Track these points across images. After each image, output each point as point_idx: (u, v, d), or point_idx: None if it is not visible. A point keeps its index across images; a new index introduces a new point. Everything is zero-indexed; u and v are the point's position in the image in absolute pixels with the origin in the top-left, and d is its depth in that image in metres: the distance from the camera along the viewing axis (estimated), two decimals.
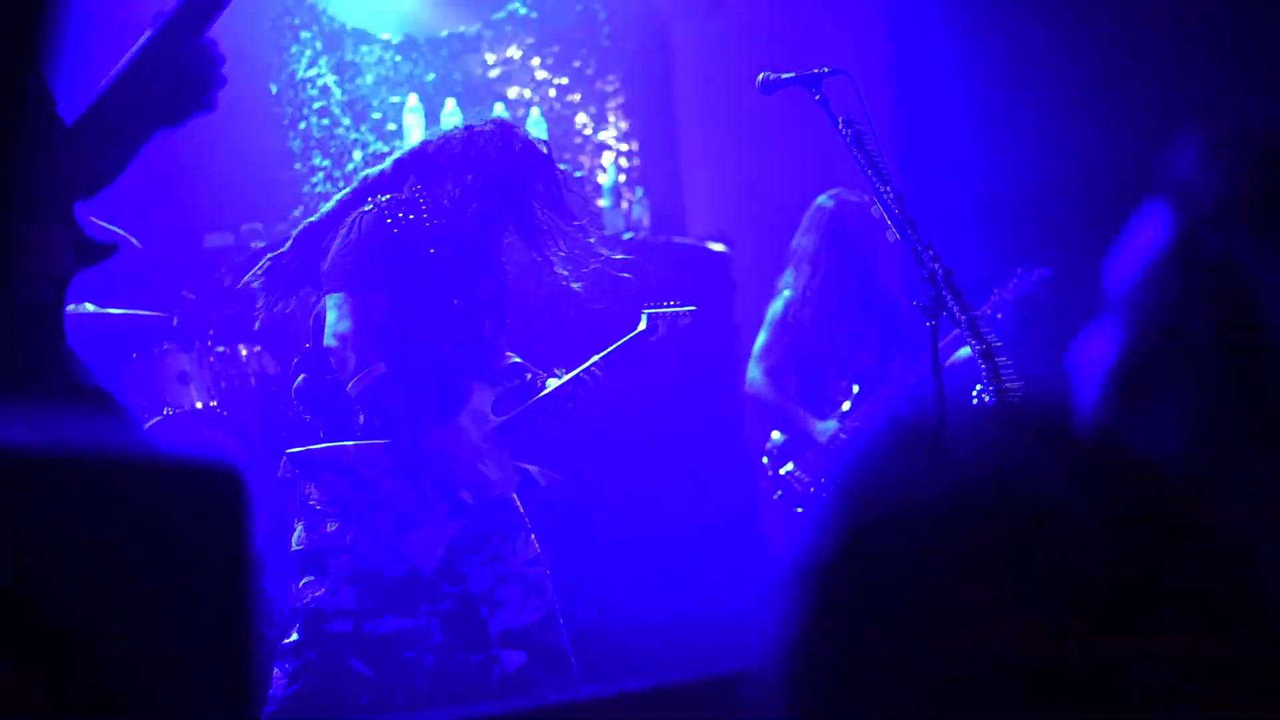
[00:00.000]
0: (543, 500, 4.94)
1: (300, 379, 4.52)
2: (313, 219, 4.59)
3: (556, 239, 4.60)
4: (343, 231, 4.45)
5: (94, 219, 2.70)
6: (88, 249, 2.59)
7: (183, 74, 2.75)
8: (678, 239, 7.72)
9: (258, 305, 4.59)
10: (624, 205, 7.77)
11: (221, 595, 0.93)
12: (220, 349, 6.21)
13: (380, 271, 4.39)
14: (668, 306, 4.87)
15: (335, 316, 4.38)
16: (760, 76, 4.40)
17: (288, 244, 4.56)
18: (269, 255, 4.58)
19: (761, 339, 5.75)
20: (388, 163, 4.66)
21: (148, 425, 5.40)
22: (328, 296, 4.42)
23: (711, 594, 6.28)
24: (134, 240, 2.78)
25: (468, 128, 4.60)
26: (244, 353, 6.18)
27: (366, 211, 4.45)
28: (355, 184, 4.64)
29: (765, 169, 7.87)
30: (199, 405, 5.85)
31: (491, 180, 4.46)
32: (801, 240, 5.76)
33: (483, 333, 4.59)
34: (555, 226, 4.60)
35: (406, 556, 4.36)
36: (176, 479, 0.92)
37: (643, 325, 4.82)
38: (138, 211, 6.61)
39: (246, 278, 4.58)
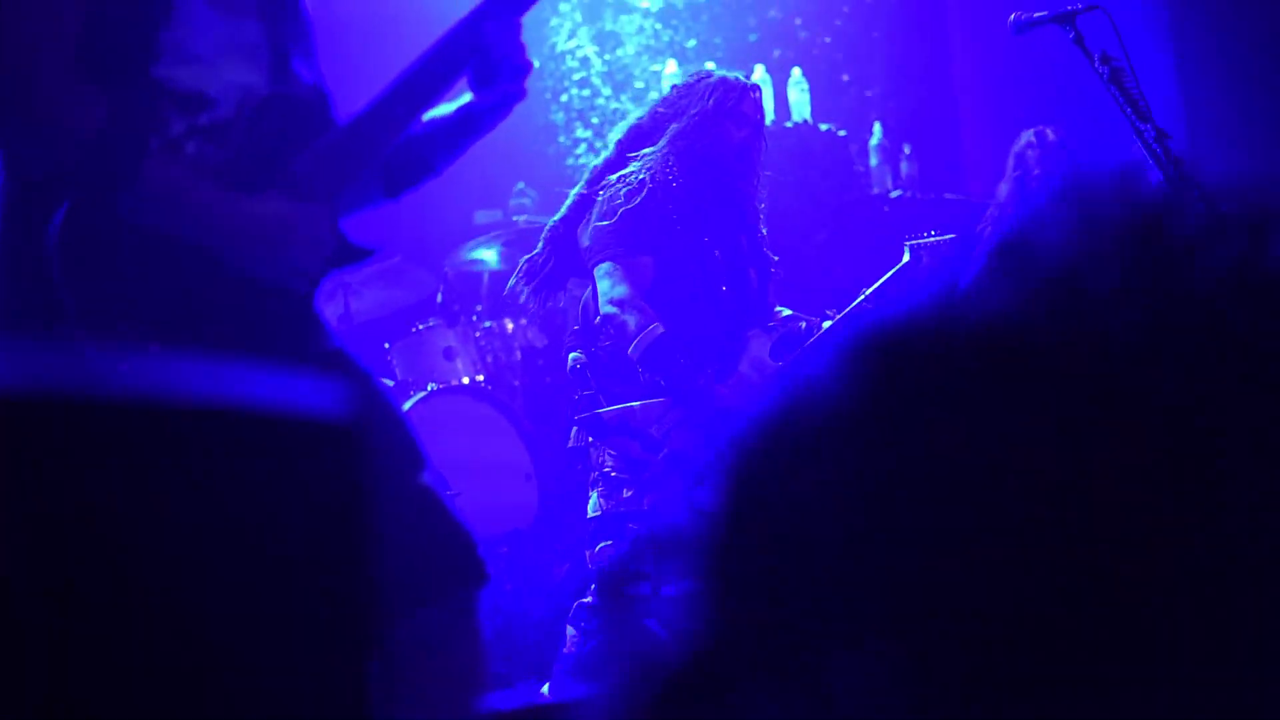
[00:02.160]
0: None
1: (574, 358, 4.59)
2: (557, 216, 4.69)
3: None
4: (596, 210, 4.53)
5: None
6: (346, 250, 2.58)
7: (491, 63, 2.63)
8: (948, 195, 7.49)
9: (528, 305, 4.75)
10: (897, 163, 7.58)
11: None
12: (487, 324, 6.29)
13: (641, 235, 4.45)
14: (928, 237, 4.83)
15: (608, 285, 4.45)
16: (1011, 17, 4.22)
17: (540, 245, 4.67)
18: (524, 260, 4.69)
19: None
20: (611, 145, 4.72)
21: (411, 400, 5.48)
22: (596, 268, 4.47)
23: None
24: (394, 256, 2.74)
25: (674, 87, 4.73)
26: (510, 326, 6.25)
27: (612, 186, 4.51)
28: (588, 175, 4.72)
29: (1043, 116, 7.56)
30: (465, 380, 5.92)
31: (720, 123, 4.53)
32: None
33: (749, 280, 4.63)
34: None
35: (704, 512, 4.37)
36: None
37: (906, 257, 4.81)
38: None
39: (510, 284, 4.72)
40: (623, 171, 4.53)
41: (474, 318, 6.25)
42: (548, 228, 4.69)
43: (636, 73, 7.64)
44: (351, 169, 2.55)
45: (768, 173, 4.72)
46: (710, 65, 7.09)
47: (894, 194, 7.14)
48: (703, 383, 4.39)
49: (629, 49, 7.68)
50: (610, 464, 4.44)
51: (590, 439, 4.50)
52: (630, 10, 7.74)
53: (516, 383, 6.27)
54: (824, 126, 7.36)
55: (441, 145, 2.75)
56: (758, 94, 4.69)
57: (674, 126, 4.54)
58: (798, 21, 7.97)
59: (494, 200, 7.18)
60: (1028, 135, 5.56)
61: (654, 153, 4.55)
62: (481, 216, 7.13)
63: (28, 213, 2.33)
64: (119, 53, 2.37)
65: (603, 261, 4.48)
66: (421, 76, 2.61)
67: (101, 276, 2.26)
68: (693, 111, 4.54)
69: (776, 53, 7.87)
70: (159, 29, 2.41)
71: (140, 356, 2.25)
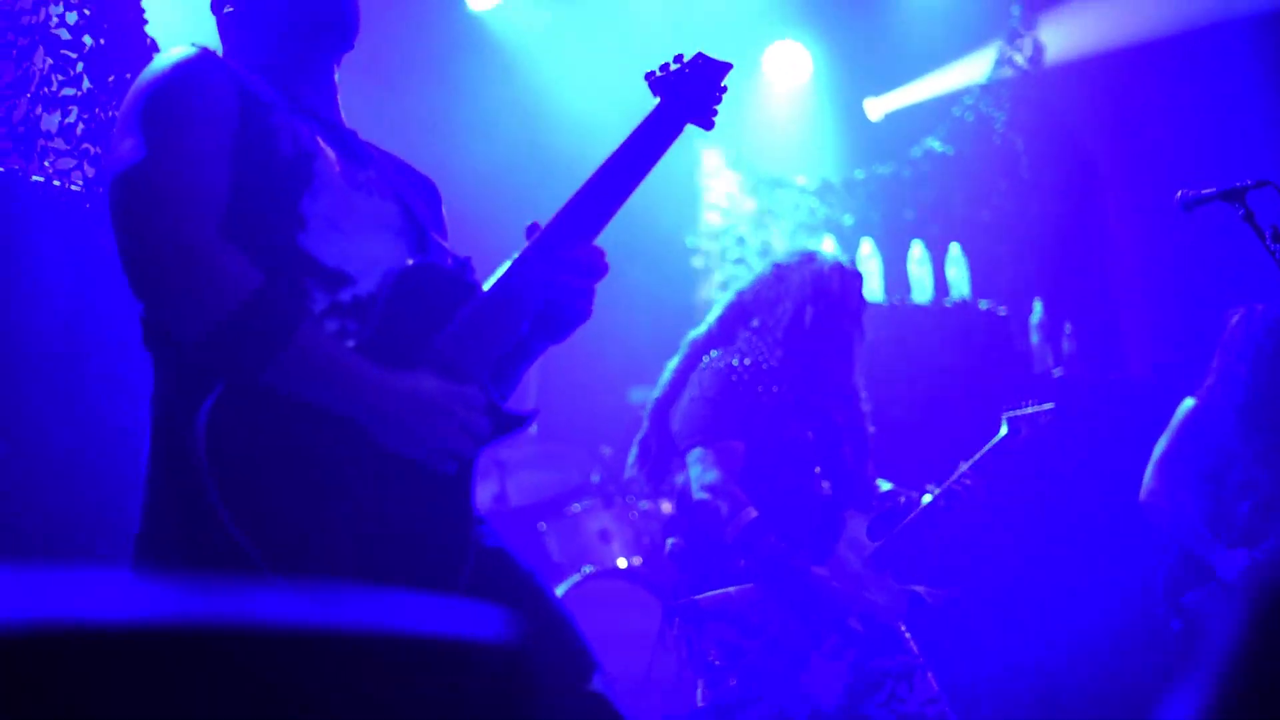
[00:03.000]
0: (932, 619, 4.81)
1: (671, 542, 4.53)
2: (656, 394, 4.68)
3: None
4: (687, 393, 4.50)
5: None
6: (501, 422, 2.55)
7: (559, 295, 2.68)
8: (1111, 373, 7.32)
9: (643, 486, 4.72)
10: (1058, 341, 7.43)
11: None
12: (643, 504, 6.23)
13: (731, 419, 4.41)
14: (1027, 408, 4.74)
15: (699, 470, 4.40)
16: (1179, 194, 4.14)
17: (645, 424, 4.66)
18: (636, 439, 4.68)
19: (1163, 444, 5.31)
20: (712, 319, 4.71)
21: (566, 584, 5.42)
22: (688, 454, 4.45)
23: (1112, 707, 5.83)
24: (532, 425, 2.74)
25: (775, 265, 4.69)
26: (666, 507, 6.18)
27: (704, 368, 4.50)
28: (685, 349, 4.69)
29: (1202, 295, 7.40)
30: (621, 562, 5.85)
31: (817, 306, 4.51)
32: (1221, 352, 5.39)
33: (845, 460, 4.58)
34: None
35: (808, 696, 4.30)
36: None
37: (1004, 430, 4.71)
38: (558, 364, 6.79)
39: (629, 467, 4.70)
40: (715, 353, 4.51)
41: (630, 499, 6.19)
42: (650, 405, 4.67)
43: (793, 250, 7.63)
44: (499, 340, 2.54)
45: (865, 346, 4.65)
46: (817, 246, 7.10)
47: (1056, 372, 6.99)
48: (799, 565, 4.30)
49: (785, 226, 7.69)
50: (714, 653, 4.34)
51: (690, 626, 4.40)
52: (786, 187, 7.77)
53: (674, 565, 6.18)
54: (983, 304, 7.26)
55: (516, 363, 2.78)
56: (858, 282, 4.61)
57: (773, 308, 4.53)
58: (956, 198, 7.93)
59: (648, 377, 7.16)
60: (1236, 315, 5.38)
61: (749, 334, 4.54)
62: (636, 395, 7.11)
63: (181, 385, 2.35)
64: (266, 220, 2.41)
65: (693, 447, 4.43)
66: (575, 219, 2.65)
67: (250, 458, 2.24)
68: (792, 295, 4.52)
69: (935, 229, 7.82)
70: (301, 198, 2.44)
71: (304, 585, 2.22)
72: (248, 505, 2.21)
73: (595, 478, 6.11)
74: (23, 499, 4.07)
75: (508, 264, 2.60)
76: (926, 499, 4.60)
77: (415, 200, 2.75)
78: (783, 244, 7.63)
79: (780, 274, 4.62)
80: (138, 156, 2.35)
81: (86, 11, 4.56)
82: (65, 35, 4.51)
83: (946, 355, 6.86)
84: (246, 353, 2.27)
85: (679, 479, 4.56)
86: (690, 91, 2.85)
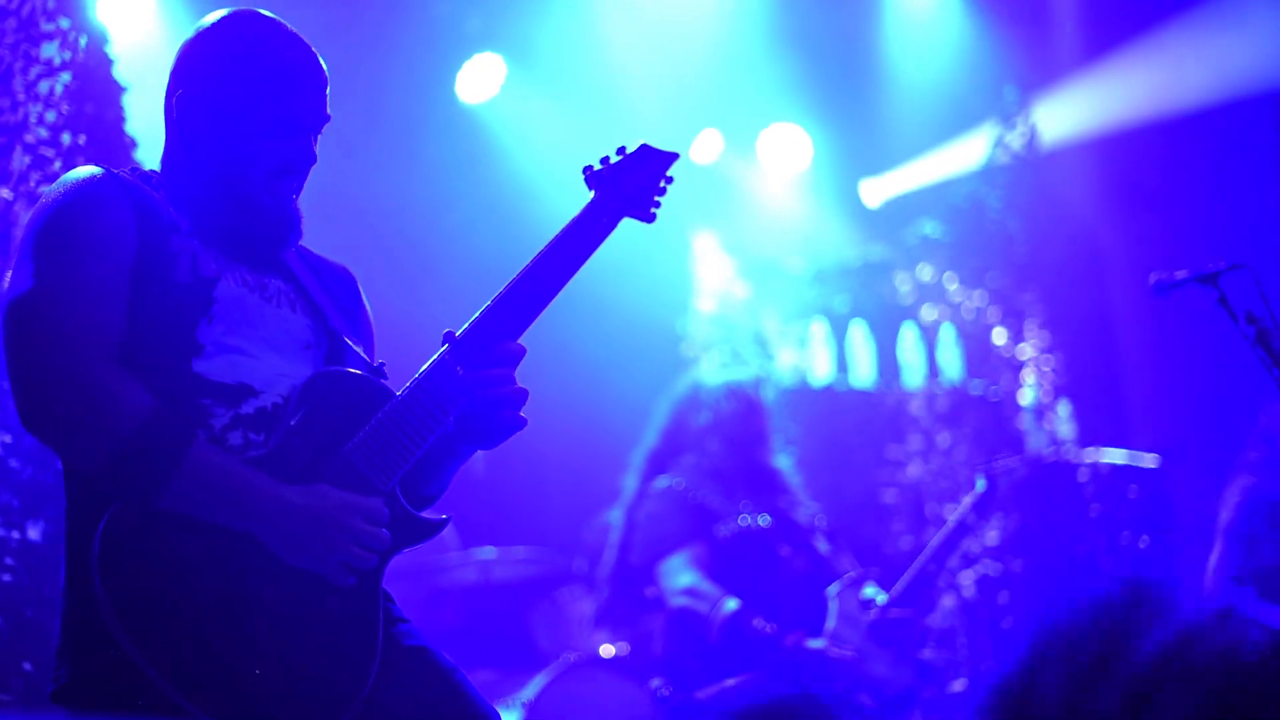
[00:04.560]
0: (937, 679, 4.87)
1: (657, 685, 4.64)
2: (610, 558, 5.08)
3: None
4: (643, 516, 4.86)
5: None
6: (411, 526, 2.54)
7: (481, 407, 2.64)
8: (1105, 454, 7.28)
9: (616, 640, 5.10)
10: (1054, 423, 7.42)
11: None
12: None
13: (688, 528, 4.66)
14: (1000, 463, 5.01)
15: (670, 579, 4.59)
16: (1152, 278, 4.13)
17: (605, 590, 5.09)
18: (594, 606, 5.09)
19: (1218, 552, 5.26)
20: (652, 438, 5.15)
21: (549, 674, 5.40)
22: (656, 569, 4.59)
23: None
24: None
25: (694, 388, 5.19)
26: (648, 594, 6.15)
27: (653, 493, 4.83)
28: (637, 468, 5.11)
29: (1203, 373, 7.37)
30: (605, 648, 5.82)
31: (722, 436, 4.96)
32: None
33: (813, 544, 4.74)
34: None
35: None
36: None
37: (980, 485, 4.94)
38: (550, 449, 6.78)
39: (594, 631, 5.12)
40: (663, 479, 4.89)
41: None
42: (605, 570, 5.01)
43: (783, 332, 7.66)
44: (410, 448, 2.51)
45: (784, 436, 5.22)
46: (809, 330, 7.26)
47: (1049, 454, 6.96)
48: (793, 643, 4.32)
49: (778, 311, 7.72)
50: None
51: None
52: (779, 273, 7.80)
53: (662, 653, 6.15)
54: (975, 387, 7.26)
55: (426, 477, 2.72)
56: (760, 402, 5.06)
57: (697, 437, 4.93)
58: (950, 284, 7.94)
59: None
60: (1266, 415, 5.36)
61: (687, 456, 4.92)
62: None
63: (81, 507, 2.38)
64: (162, 347, 2.41)
65: (659, 559, 4.66)
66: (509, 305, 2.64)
67: (142, 579, 2.25)
68: (707, 428, 4.94)
69: (928, 312, 7.83)
70: (198, 325, 2.44)
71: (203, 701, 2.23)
72: (141, 624, 2.22)
73: (580, 564, 6.10)
74: None
75: (424, 367, 2.58)
76: (916, 563, 4.74)
77: (330, 304, 2.73)
78: (776, 329, 7.65)
79: (691, 401, 5.09)
80: (25, 286, 2.37)
81: (65, 108, 4.63)
82: (44, 133, 4.58)
83: (939, 437, 6.85)
84: (138, 479, 2.29)
85: (649, 592, 4.66)
86: (627, 184, 2.79)
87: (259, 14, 2.65)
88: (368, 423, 2.50)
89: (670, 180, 2.85)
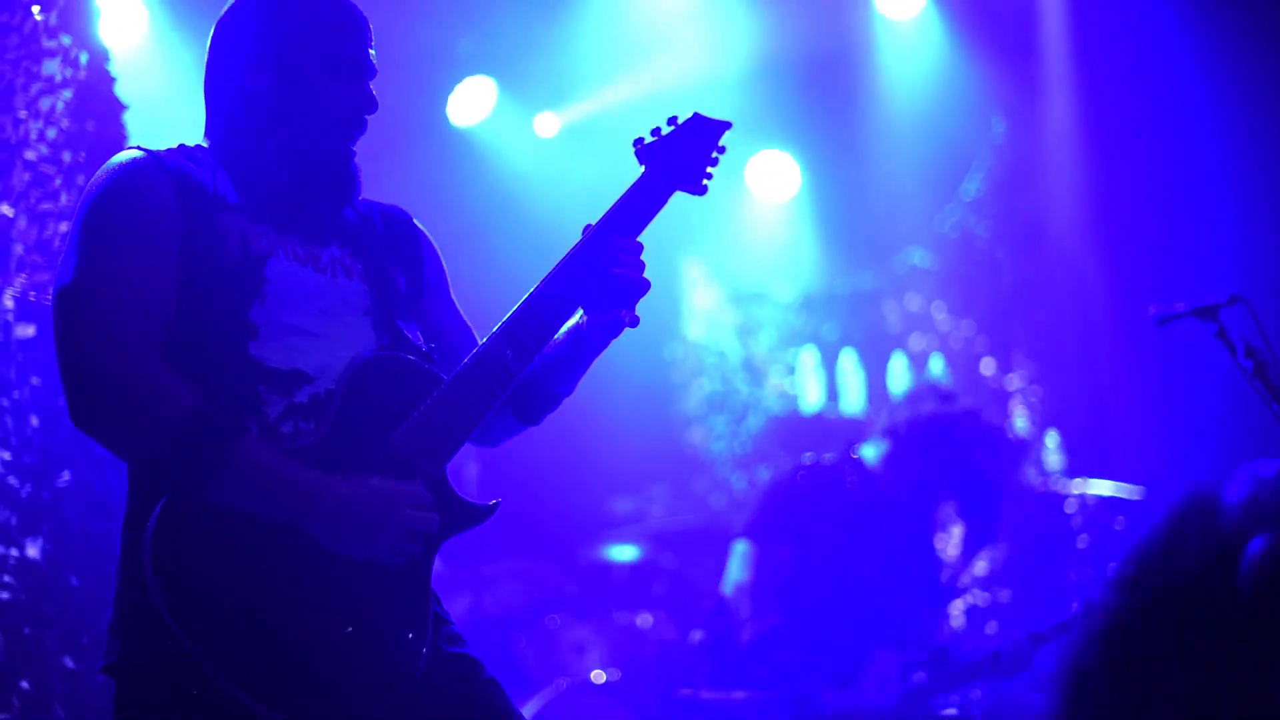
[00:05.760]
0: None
1: (697, 634, 4.49)
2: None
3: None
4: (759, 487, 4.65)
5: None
6: (460, 510, 2.51)
7: (610, 281, 2.62)
8: (1092, 485, 7.30)
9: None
10: (1041, 453, 7.44)
11: None
12: (619, 616, 6.18)
13: (786, 523, 4.38)
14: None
15: (737, 565, 4.39)
16: (1151, 309, 4.15)
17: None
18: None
19: None
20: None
21: (541, 699, 5.37)
22: (734, 544, 4.40)
23: None
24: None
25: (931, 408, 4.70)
26: (639, 621, 6.13)
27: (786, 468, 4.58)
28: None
29: (1190, 404, 7.40)
30: (596, 674, 5.80)
31: (941, 452, 4.57)
32: None
33: (894, 600, 4.48)
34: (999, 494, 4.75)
35: None
36: None
37: None
38: (537, 476, 6.77)
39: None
40: (808, 455, 4.65)
41: (608, 611, 6.16)
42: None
43: (773, 360, 7.66)
44: (459, 432, 2.49)
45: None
46: (799, 358, 7.18)
47: (1037, 483, 6.98)
48: (815, 686, 4.23)
49: (767, 338, 7.72)
50: None
51: None
52: (767, 304, 7.81)
53: (652, 680, 6.12)
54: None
55: (559, 373, 2.68)
56: (973, 417, 4.74)
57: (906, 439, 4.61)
58: (936, 309, 7.96)
59: (627, 489, 7.16)
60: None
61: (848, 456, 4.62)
62: (621, 504, 7.11)
63: (135, 500, 2.39)
64: (215, 331, 2.39)
65: (740, 539, 4.44)
66: (536, 308, 2.56)
67: (191, 568, 2.27)
68: (920, 428, 4.61)
69: (916, 341, 7.84)
70: (250, 306, 2.41)
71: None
72: (195, 616, 2.24)
73: (573, 590, 6.08)
74: None
75: (474, 352, 2.53)
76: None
77: (389, 260, 2.67)
78: (765, 356, 7.66)
79: (933, 415, 4.68)
80: (67, 279, 2.36)
81: (66, 125, 4.59)
82: (44, 150, 4.55)
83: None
84: (183, 474, 2.29)
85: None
86: (680, 157, 2.72)
87: None
88: (415, 408, 2.47)
89: (723, 150, 2.77)
